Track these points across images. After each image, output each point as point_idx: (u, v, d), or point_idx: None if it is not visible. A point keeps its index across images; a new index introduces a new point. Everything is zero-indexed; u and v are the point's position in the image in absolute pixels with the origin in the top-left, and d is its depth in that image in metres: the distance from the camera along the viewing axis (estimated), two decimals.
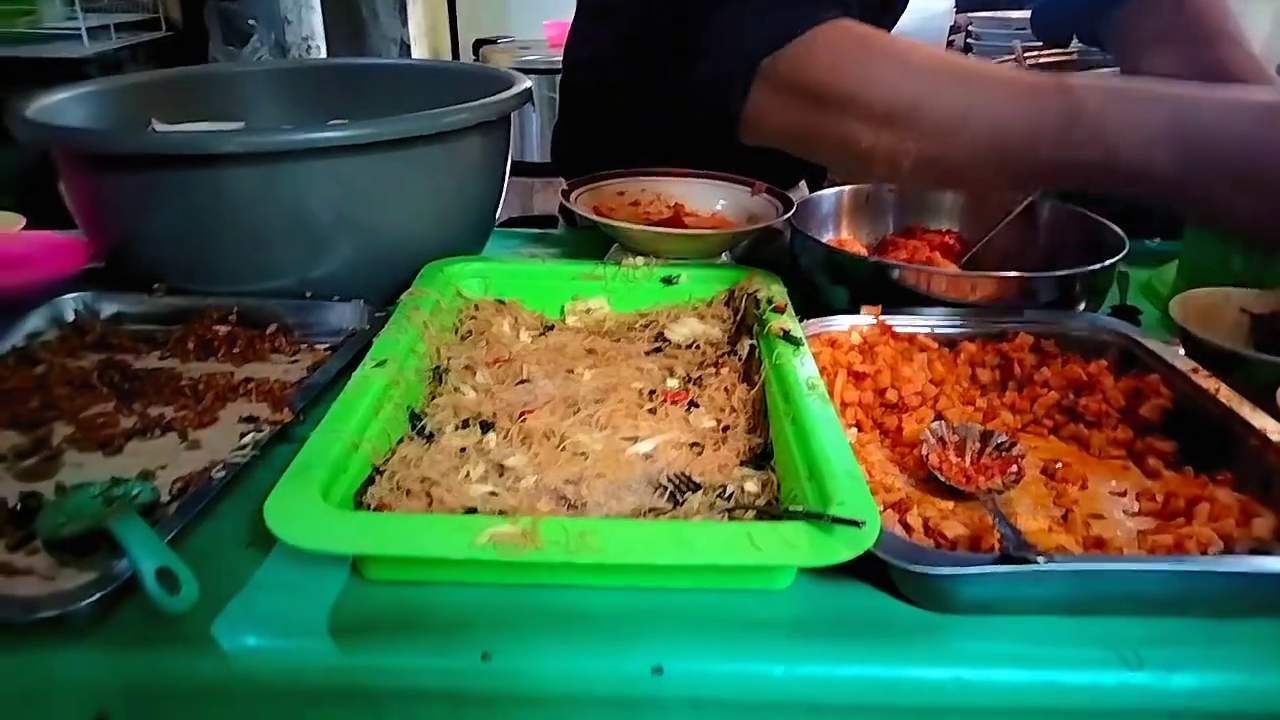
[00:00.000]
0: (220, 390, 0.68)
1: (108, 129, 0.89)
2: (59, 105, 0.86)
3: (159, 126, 0.97)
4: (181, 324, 0.77)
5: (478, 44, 3.08)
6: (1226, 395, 0.61)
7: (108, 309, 0.79)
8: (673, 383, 0.70)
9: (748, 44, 0.70)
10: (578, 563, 0.44)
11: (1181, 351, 0.71)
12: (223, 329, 0.76)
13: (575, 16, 1.17)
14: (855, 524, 0.44)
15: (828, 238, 0.96)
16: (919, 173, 0.68)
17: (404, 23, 2.65)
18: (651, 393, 0.68)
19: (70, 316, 0.78)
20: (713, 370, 0.71)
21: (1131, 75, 0.94)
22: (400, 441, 0.59)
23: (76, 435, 0.63)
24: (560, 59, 1.22)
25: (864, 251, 0.95)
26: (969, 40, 1.42)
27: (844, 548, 0.44)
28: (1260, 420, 0.58)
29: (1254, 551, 0.50)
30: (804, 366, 0.63)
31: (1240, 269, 0.82)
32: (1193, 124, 0.58)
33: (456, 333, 0.75)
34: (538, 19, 3.01)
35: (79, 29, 2.29)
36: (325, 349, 0.76)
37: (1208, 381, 0.63)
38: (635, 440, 0.62)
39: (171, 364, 0.74)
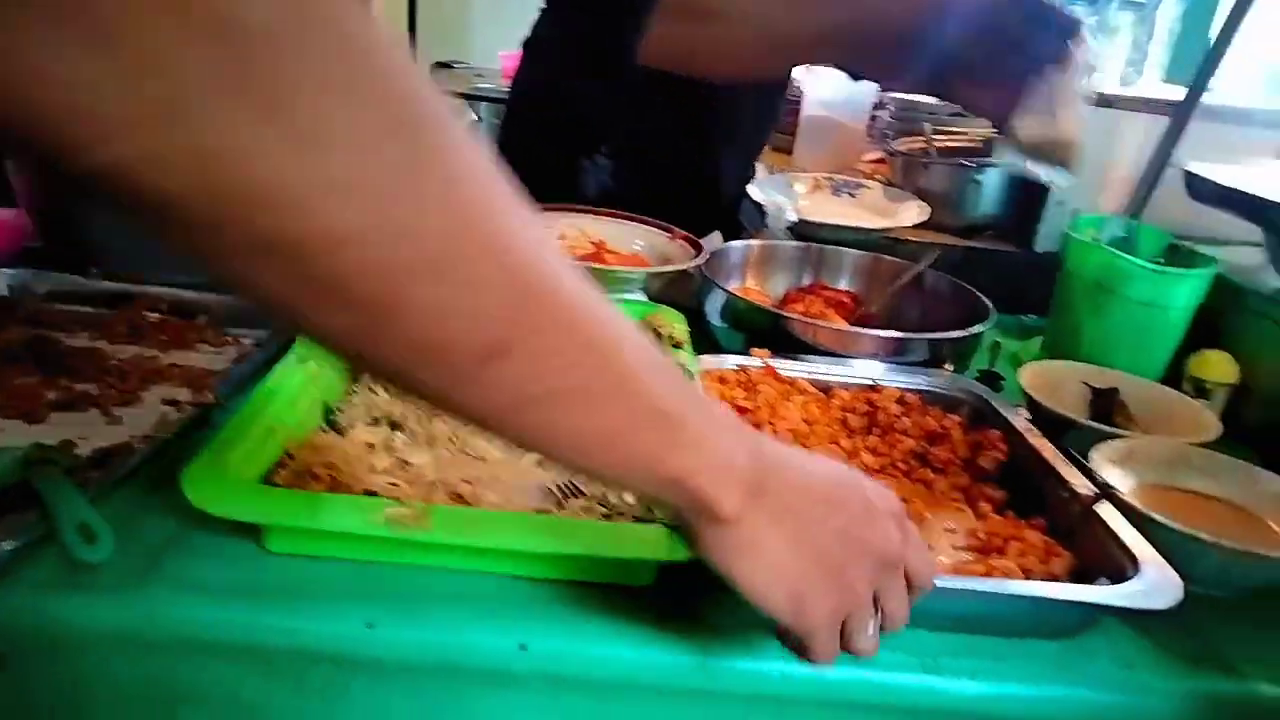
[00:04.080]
0: (145, 372, 0.73)
1: None
2: None
3: None
4: (115, 308, 0.81)
5: (434, 66, 3.14)
6: (1050, 453, 0.70)
7: (42, 287, 0.82)
8: None
9: None
10: (460, 544, 0.50)
11: (1026, 415, 0.81)
12: (154, 315, 0.81)
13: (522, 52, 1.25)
14: None
15: (734, 286, 1.04)
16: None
17: None
18: None
19: (4, 291, 0.81)
20: None
21: None
22: (311, 433, 0.64)
23: (1, 403, 0.67)
24: None
25: (767, 302, 1.04)
26: (890, 118, 1.55)
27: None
28: (1072, 476, 0.67)
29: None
30: None
31: (1088, 351, 0.93)
32: None
33: None
34: (495, 48, 3.08)
35: None
36: (252, 344, 0.81)
37: (1037, 440, 0.72)
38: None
39: (100, 344, 0.77)
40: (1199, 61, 1.03)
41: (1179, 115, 1.03)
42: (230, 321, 0.82)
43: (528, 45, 1.21)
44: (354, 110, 0.28)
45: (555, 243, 0.34)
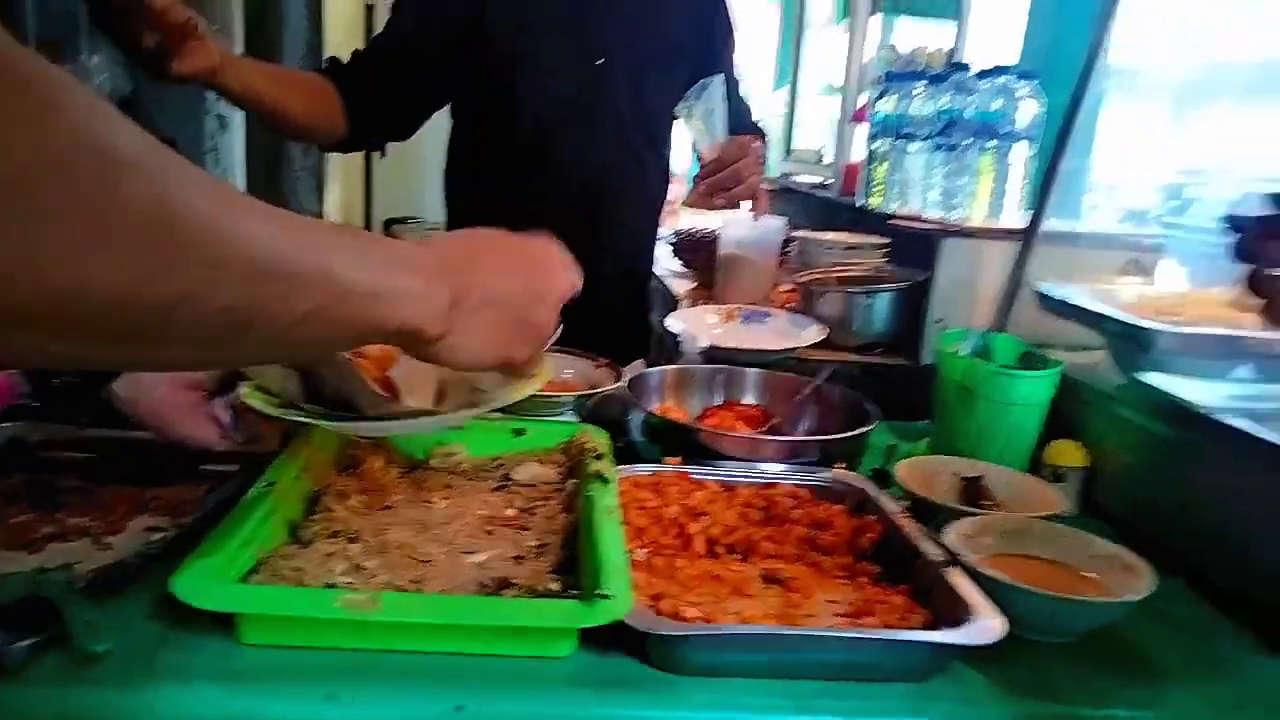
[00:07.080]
0: (130, 504, 0.83)
1: None
2: None
3: None
4: (102, 453, 0.92)
5: (388, 222, 3.35)
6: (911, 530, 0.83)
7: (37, 437, 0.93)
8: (510, 511, 0.88)
9: None
10: (406, 622, 0.60)
11: (906, 502, 0.94)
12: (136, 456, 0.91)
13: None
14: (606, 597, 0.62)
15: (655, 406, 1.17)
16: None
17: (320, 200, 2.90)
18: (492, 518, 0.85)
19: (3, 442, 0.92)
20: (543, 502, 0.89)
21: None
22: (279, 546, 0.75)
23: (2, 538, 0.76)
24: None
25: (685, 419, 1.17)
26: (797, 252, 1.73)
27: (601, 615, 0.62)
28: (926, 547, 0.79)
29: None
30: (608, 497, 0.82)
31: (963, 446, 1.07)
32: None
33: (337, 465, 0.92)
34: None
35: None
36: (223, 475, 0.92)
37: (905, 521, 0.85)
38: (473, 553, 0.79)
39: (89, 484, 0.88)
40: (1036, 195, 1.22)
41: (1025, 241, 1.21)
42: (203, 458, 0.93)
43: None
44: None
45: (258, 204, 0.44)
